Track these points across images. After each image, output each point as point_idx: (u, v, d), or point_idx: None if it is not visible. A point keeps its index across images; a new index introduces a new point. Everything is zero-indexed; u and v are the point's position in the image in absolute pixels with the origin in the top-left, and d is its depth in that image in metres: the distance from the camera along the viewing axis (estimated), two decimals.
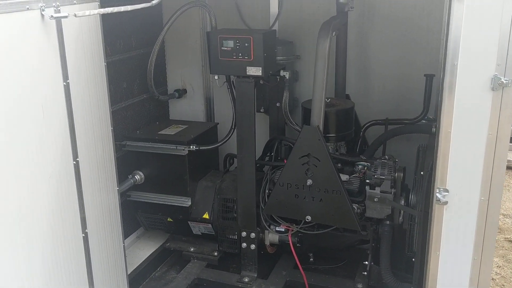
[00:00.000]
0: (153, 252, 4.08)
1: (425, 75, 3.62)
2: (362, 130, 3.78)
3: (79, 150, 2.60)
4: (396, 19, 3.85)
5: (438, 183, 2.54)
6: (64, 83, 2.42)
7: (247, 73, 3.21)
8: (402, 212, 3.23)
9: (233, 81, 3.56)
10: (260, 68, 3.17)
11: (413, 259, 3.24)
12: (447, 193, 2.52)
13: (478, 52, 2.30)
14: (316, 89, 3.00)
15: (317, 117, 3.05)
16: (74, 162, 2.56)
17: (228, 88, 3.55)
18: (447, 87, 2.39)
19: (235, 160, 3.94)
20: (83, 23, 2.63)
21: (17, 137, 2.21)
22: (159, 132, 3.91)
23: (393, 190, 3.14)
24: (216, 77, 3.39)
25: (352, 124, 3.51)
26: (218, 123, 4.20)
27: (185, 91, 4.61)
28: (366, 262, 3.41)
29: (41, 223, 2.40)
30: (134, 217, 4.06)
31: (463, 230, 2.56)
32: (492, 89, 2.32)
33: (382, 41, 3.93)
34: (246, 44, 3.14)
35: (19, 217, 2.27)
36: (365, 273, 3.43)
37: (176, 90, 4.55)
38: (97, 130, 2.87)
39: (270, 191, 3.46)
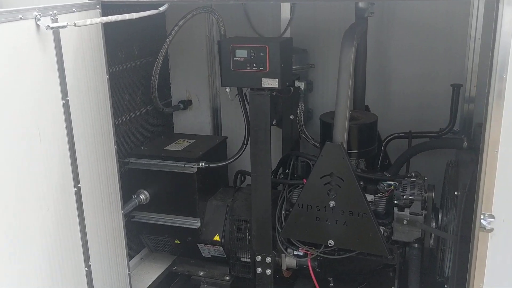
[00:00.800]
0: (159, 276, 3.80)
1: (451, 85, 3.38)
2: (383, 144, 3.51)
3: (81, 175, 2.33)
4: (417, 25, 3.61)
5: (482, 208, 2.28)
6: (63, 101, 2.15)
7: (262, 85, 2.94)
8: (433, 235, 2.97)
9: (245, 93, 3.29)
10: (277, 80, 2.90)
11: (446, 286, 2.97)
12: (492, 220, 2.27)
13: None
14: (339, 103, 2.73)
15: (341, 134, 2.78)
16: (76, 189, 2.29)
17: (240, 101, 3.28)
18: (494, 102, 2.13)
19: (247, 177, 3.69)
20: (84, 33, 2.37)
21: (8, 165, 1.92)
22: (165, 148, 3.64)
23: (424, 212, 2.88)
24: (227, 90, 3.12)
25: (375, 139, 3.25)
26: (227, 137, 3.93)
27: (190, 102, 4.35)
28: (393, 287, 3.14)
29: (37, 265, 2.11)
30: (138, 237, 3.78)
31: (510, 261, 2.31)
32: None
33: (402, 49, 3.69)
34: (262, 54, 2.87)
35: (11, 260, 1.98)
36: None
37: (181, 102, 4.29)
38: (99, 150, 2.62)
39: (287, 212, 3.19)
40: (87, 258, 2.44)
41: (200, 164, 3.41)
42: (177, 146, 3.69)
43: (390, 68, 3.75)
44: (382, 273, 3.36)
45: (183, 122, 4.38)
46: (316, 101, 3.93)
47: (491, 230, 2.28)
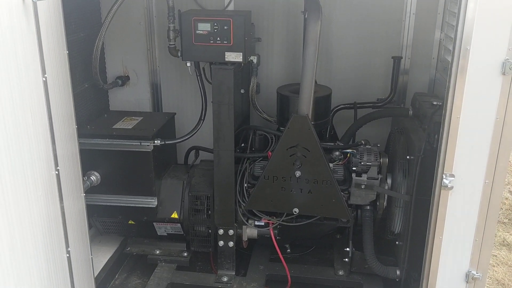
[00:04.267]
0: (110, 258, 3.68)
1: (392, 57, 3.62)
2: (331, 115, 3.69)
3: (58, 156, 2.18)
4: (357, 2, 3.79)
5: (444, 168, 2.53)
6: (43, 78, 1.98)
7: (226, 59, 2.94)
8: (386, 196, 3.22)
9: (203, 68, 3.26)
10: (241, 54, 2.92)
11: (397, 242, 3.26)
12: (453, 178, 2.53)
13: (490, 36, 2.29)
14: (305, 76, 2.82)
15: (307, 106, 2.88)
16: (56, 172, 2.14)
17: (197, 76, 3.24)
18: (459, 72, 2.36)
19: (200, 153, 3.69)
20: (46, 7, 2.17)
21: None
22: (114, 127, 3.48)
23: (379, 176, 3.10)
24: (188, 64, 3.06)
25: (330, 111, 3.40)
26: (175, 113, 3.86)
27: (127, 78, 4.17)
28: (348, 249, 3.36)
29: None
30: None
31: (467, 214, 2.60)
32: (503, 73, 2.33)
33: (343, 23, 3.85)
34: (226, 27, 2.86)
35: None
36: (346, 259, 3.39)
37: (119, 77, 4.09)
38: (62, 131, 2.45)
39: (249, 185, 3.25)
40: (67, 244, 2.32)
41: (156, 141, 3.33)
42: (126, 124, 3.55)
43: (332, 42, 3.91)
44: (329, 236, 3.59)
45: (120, 99, 4.19)
46: (262, 75, 3.99)
47: (451, 188, 2.54)
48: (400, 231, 3.21)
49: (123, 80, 4.10)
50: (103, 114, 3.83)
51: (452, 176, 2.52)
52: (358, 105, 3.69)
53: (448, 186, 2.53)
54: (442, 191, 2.56)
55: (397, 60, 3.58)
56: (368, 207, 3.26)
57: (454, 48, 2.35)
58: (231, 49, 2.91)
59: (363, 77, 3.95)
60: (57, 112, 2.32)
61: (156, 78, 4.21)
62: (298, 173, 3.00)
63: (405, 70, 3.84)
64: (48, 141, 2.09)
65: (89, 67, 3.55)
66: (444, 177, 2.53)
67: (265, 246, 3.72)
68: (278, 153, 2.99)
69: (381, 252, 3.38)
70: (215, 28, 2.87)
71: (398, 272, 3.20)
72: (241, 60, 2.93)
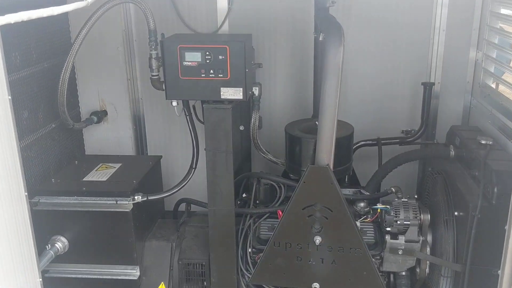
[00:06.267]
0: None
1: (422, 83, 3.00)
2: None
3: None
4: (377, 18, 3.17)
5: None
6: None
7: (222, 97, 2.29)
8: (428, 262, 2.56)
9: (193, 105, 2.62)
10: (241, 89, 2.28)
11: None
12: None
13: None
14: (325, 115, 2.17)
15: (327, 154, 2.23)
16: None
17: (186, 116, 2.59)
18: None
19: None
20: None
21: None
22: (84, 179, 2.82)
23: (421, 238, 2.45)
24: (174, 104, 2.42)
25: (352, 154, 2.76)
26: (161, 156, 3.20)
27: (105, 113, 3.52)
28: None
29: None
30: None
31: None
32: None
33: (360, 44, 3.22)
34: (221, 57, 2.22)
35: None
36: None
37: (94, 113, 3.45)
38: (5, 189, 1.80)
39: (255, 250, 2.59)
40: None
41: (136, 197, 2.66)
42: (100, 174, 2.89)
43: (347, 67, 3.28)
44: None
45: (97, 138, 3.55)
46: (264, 107, 3.34)
47: None
48: None
49: (99, 116, 3.46)
50: (74, 160, 3.16)
51: None
52: (382, 142, 3.05)
53: None
54: None
55: (428, 86, 2.96)
56: (404, 273, 2.60)
57: None
58: (228, 84, 2.27)
59: (384, 106, 3.33)
60: None
61: (139, 112, 3.57)
62: (318, 239, 2.34)
63: (435, 96, 3.21)
64: None
65: (56, 103, 2.91)
66: None
67: None
68: (292, 213, 2.34)
69: None
70: (207, 58, 2.23)
71: None
72: (241, 98, 2.29)
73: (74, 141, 3.35)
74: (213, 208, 2.47)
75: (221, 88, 2.27)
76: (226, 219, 2.48)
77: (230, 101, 2.33)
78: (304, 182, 2.27)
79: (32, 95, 2.85)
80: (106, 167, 2.98)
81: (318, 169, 2.25)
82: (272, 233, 2.42)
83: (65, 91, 2.84)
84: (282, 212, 2.41)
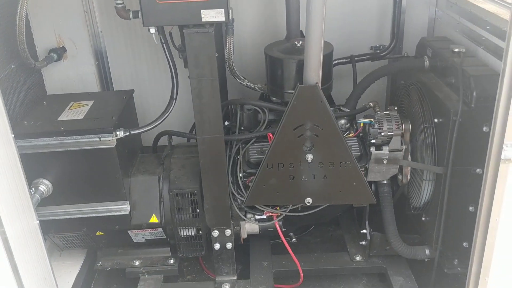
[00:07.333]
0: (78, 275, 3.01)
1: None
2: None
3: None
4: None
5: (505, 137, 2.01)
6: None
7: (203, 20, 2.21)
8: (409, 168, 2.70)
9: (170, 32, 2.52)
10: (222, 10, 2.20)
11: (423, 218, 2.79)
12: None
13: None
14: (312, 32, 2.16)
15: (316, 72, 2.24)
16: None
17: (163, 43, 2.49)
18: None
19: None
20: None
21: None
22: (59, 119, 2.70)
23: (404, 147, 2.57)
24: (152, 31, 2.30)
25: (332, 72, 2.78)
26: (133, 90, 3.10)
27: (64, 49, 3.33)
28: (365, 231, 2.87)
29: None
30: None
31: None
32: None
33: None
34: None
35: None
36: (364, 242, 2.91)
37: (52, 51, 3.25)
38: None
39: (245, 174, 2.64)
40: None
41: (118, 133, 2.60)
42: (75, 113, 2.77)
43: None
44: None
45: (58, 77, 3.36)
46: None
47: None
48: (427, 206, 2.73)
49: (59, 53, 3.27)
50: (40, 101, 3.00)
51: None
52: (356, 59, 3.08)
53: (511, 159, 2.03)
54: (501, 165, 2.06)
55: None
56: (385, 182, 2.75)
57: None
58: (208, 6, 2.18)
59: (351, 23, 3.31)
60: None
61: (100, 46, 3.39)
62: (310, 157, 2.40)
63: (402, 11, 3.24)
64: None
65: (13, 43, 2.71)
66: (504, 148, 2.02)
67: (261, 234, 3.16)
68: (283, 135, 2.37)
69: (399, 230, 2.91)
70: None
71: (428, 252, 2.75)
72: (223, 19, 2.22)
73: (34, 82, 3.16)
74: (202, 136, 2.46)
75: (202, 11, 2.18)
76: (216, 146, 2.48)
77: (211, 24, 2.26)
78: (295, 102, 2.29)
79: None
80: (79, 105, 2.86)
81: (307, 88, 2.26)
82: (264, 156, 2.46)
83: (24, 28, 2.65)
84: (273, 135, 2.43)
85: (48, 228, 2.78)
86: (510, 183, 2.08)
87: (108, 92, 3.29)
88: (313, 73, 2.24)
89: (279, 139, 2.38)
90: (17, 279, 1.84)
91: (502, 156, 2.03)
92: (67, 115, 2.74)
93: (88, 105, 2.86)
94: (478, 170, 2.37)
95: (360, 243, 2.95)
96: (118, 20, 3.28)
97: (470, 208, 2.48)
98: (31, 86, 3.06)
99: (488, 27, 2.55)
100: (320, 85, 2.27)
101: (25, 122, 2.67)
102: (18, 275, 1.85)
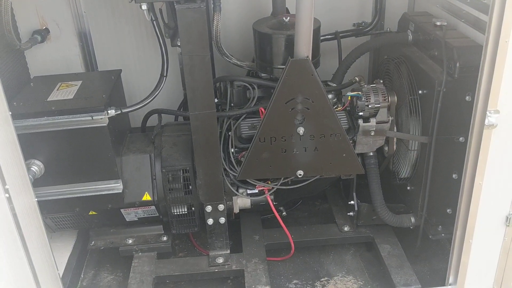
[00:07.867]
0: (71, 255, 3.04)
1: None
2: None
3: None
4: None
5: (488, 105, 2.12)
6: None
7: None
8: (395, 140, 2.80)
9: (160, 9, 2.53)
10: None
11: (408, 188, 2.90)
12: (498, 115, 2.13)
13: None
14: (302, 8, 2.21)
15: (306, 46, 2.30)
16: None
17: (153, 21, 2.50)
18: None
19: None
20: None
21: None
22: (49, 99, 2.69)
23: (390, 118, 2.66)
24: (144, 7, 2.31)
25: (319, 48, 2.83)
26: (121, 70, 3.10)
27: (47, 31, 3.29)
28: (352, 202, 2.97)
29: None
30: None
31: (509, 155, 2.24)
32: None
33: None
34: None
35: None
36: (351, 213, 3.01)
37: (36, 32, 3.21)
38: None
39: (237, 149, 2.69)
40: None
41: (110, 111, 2.61)
42: (64, 93, 2.76)
43: None
44: None
45: (41, 60, 3.32)
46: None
47: (495, 126, 2.15)
48: (412, 176, 2.84)
49: (43, 34, 3.23)
50: (26, 83, 2.98)
51: (497, 112, 2.12)
52: (340, 35, 3.14)
53: (494, 125, 2.14)
54: (484, 131, 2.17)
55: None
56: (371, 153, 2.84)
57: None
58: None
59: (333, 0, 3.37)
60: None
61: (84, 28, 3.36)
62: (301, 130, 2.47)
63: None
64: None
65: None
66: (488, 114, 2.12)
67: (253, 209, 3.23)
68: (275, 108, 2.43)
69: (385, 200, 3.02)
70: None
71: (413, 220, 2.87)
72: None
73: (18, 65, 3.12)
74: (195, 112, 2.49)
75: None
76: (209, 121, 2.51)
77: (202, 0, 2.28)
78: (286, 76, 2.34)
79: None
80: (67, 86, 2.85)
81: (298, 61, 2.32)
82: (257, 130, 2.51)
83: (10, 8, 2.62)
84: (265, 109, 2.49)
85: (40, 209, 2.78)
86: (493, 147, 2.20)
87: (96, 72, 3.28)
88: (304, 47, 2.29)
89: (271, 112, 2.44)
90: (27, 255, 1.88)
91: (486, 122, 2.15)
92: (56, 96, 2.73)
93: (76, 85, 2.85)
94: (461, 138, 2.48)
95: (348, 214, 3.05)
96: (102, 0, 3.27)
97: (454, 176, 2.59)
98: (15, 69, 3.03)
99: (468, 1, 2.64)
100: (310, 58, 2.32)
101: (14, 103, 2.65)
102: (28, 252, 1.88)
